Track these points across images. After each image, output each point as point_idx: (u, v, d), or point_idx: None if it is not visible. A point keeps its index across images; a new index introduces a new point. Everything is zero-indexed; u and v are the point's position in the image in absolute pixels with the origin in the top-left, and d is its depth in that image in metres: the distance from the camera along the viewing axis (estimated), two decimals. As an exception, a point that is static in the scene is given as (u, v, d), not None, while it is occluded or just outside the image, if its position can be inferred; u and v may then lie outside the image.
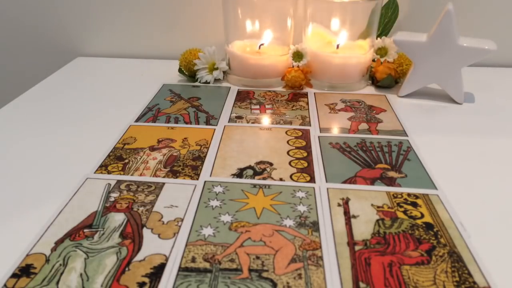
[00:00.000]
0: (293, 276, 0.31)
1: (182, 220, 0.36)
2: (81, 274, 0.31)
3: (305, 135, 0.51)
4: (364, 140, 0.50)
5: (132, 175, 0.43)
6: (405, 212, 0.37)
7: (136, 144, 0.49)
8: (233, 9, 0.64)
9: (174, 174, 0.43)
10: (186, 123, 0.54)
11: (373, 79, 0.66)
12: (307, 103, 0.60)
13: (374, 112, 0.57)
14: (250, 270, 0.31)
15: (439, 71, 0.59)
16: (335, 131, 0.52)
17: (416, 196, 0.40)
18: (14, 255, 0.33)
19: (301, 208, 0.38)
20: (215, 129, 0.52)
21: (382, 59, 0.66)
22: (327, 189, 0.40)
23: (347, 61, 0.63)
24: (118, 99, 0.62)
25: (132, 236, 0.35)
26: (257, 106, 0.59)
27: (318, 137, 0.50)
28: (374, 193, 0.40)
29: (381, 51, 0.66)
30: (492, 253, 0.33)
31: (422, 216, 0.37)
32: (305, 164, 0.45)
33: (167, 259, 0.32)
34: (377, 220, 0.36)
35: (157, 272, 0.31)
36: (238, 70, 0.66)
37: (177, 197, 0.39)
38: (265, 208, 0.38)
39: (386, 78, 0.64)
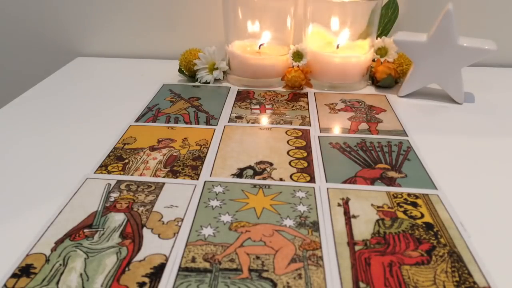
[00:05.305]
0: (293, 276, 0.31)
1: (182, 220, 0.36)
2: (81, 274, 0.31)
3: (305, 135, 0.51)
4: (364, 140, 0.50)
5: (132, 175, 0.43)
6: (405, 212, 0.37)
7: (136, 144, 0.49)
8: (233, 9, 0.64)
9: (174, 174, 0.43)
10: (186, 123, 0.54)
11: (373, 79, 0.66)
12: (307, 103, 0.60)
13: (374, 112, 0.57)
14: (250, 270, 0.31)
15: (439, 71, 0.59)
16: (335, 131, 0.52)
17: (416, 196, 0.40)
18: (14, 255, 0.33)
19: (301, 208, 0.38)
20: (215, 129, 0.52)
21: (382, 59, 0.66)
22: (327, 189, 0.40)
23: (347, 61, 0.63)
24: (118, 99, 0.62)
25: (132, 236, 0.35)
26: (257, 106, 0.59)
27: (318, 137, 0.50)
28: (374, 193, 0.40)
29: (381, 51, 0.66)
30: (492, 253, 0.33)
31: (422, 216, 0.37)
32: (305, 164, 0.45)
33: (167, 259, 0.32)
34: (377, 220, 0.36)
35: (157, 272, 0.31)
36: (238, 70, 0.66)
37: (177, 197, 0.39)
38: (265, 208, 0.38)
39: (386, 78, 0.64)
